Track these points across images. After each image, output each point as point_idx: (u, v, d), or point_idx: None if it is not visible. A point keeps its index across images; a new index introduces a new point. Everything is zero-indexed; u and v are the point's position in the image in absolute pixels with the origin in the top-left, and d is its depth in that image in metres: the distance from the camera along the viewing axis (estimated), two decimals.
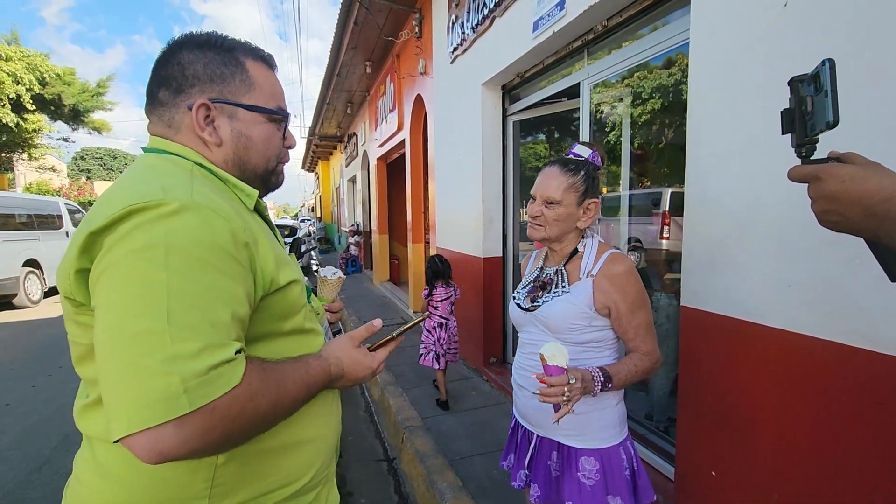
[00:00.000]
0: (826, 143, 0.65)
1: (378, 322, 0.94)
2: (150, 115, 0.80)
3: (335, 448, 0.93)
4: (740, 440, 1.66)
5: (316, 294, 1.20)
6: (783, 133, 0.68)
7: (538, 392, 1.09)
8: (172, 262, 0.59)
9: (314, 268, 9.62)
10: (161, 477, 0.69)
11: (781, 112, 0.67)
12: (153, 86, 0.79)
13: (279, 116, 0.84)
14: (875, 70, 1.23)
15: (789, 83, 0.66)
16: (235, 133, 0.79)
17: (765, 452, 1.58)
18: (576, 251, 1.33)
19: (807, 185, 0.64)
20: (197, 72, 0.77)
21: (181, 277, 0.59)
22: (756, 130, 1.54)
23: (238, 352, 0.63)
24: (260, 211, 0.86)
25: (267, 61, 0.85)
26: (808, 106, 0.61)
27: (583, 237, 1.34)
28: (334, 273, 1.20)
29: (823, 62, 0.58)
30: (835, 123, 0.57)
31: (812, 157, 0.65)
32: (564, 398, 1.06)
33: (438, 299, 3.46)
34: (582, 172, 1.28)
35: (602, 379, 1.15)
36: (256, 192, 0.82)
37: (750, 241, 1.59)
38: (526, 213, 1.36)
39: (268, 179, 0.87)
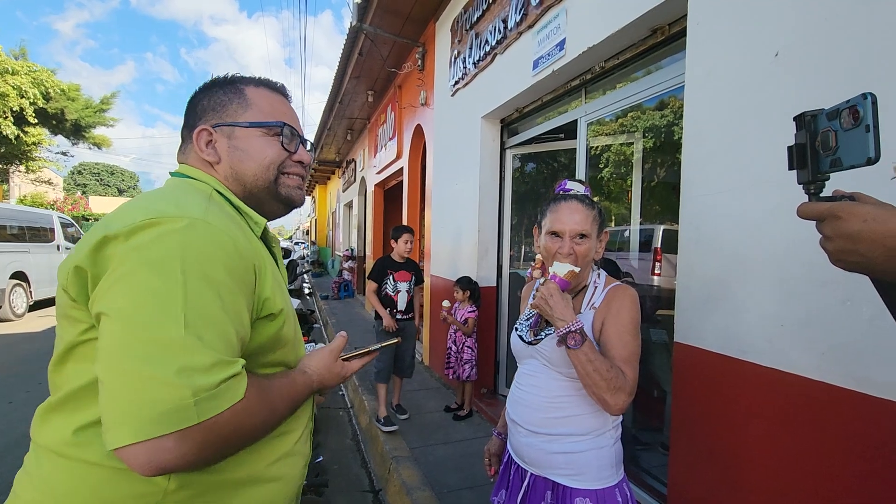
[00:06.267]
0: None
1: (344, 334, 0.97)
2: (179, 154, 0.90)
3: (297, 495, 0.88)
4: (733, 480, 1.64)
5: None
6: (790, 169, 0.65)
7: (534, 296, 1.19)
8: (188, 276, 0.62)
9: (306, 291, 9.55)
10: (105, 499, 0.66)
11: (789, 148, 0.64)
12: (181, 131, 0.89)
13: (276, 128, 0.86)
14: None
15: (798, 118, 0.63)
16: (231, 148, 0.85)
17: (757, 494, 1.56)
18: (585, 287, 1.32)
19: (817, 222, 0.61)
20: (203, 107, 0.86)
21: (196, 292, 0.61)
22: (753, 169, 1.58)
23: (242, 367, 0.64)
24: (266, 241, 0.88)
25: (270, 86, 0.90)
26: (832, 141, 0.59)
27: (591, 270, 1.34)
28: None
29: (865, 95, 0.55)
30: (877, 158, 0.54)
31: (821, 195, 0.62)
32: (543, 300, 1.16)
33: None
34: (595, 206, 1.31)
35: (581, 335, 1.13)
36: (264, 221, 0.87)
37: (745, 280, 1.61)
38: (539, 251, 1.34)
39: (276, 193, 0.88)
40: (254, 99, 0.86)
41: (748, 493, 1.59)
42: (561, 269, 1.18)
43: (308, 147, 0.93)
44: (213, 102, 0.85)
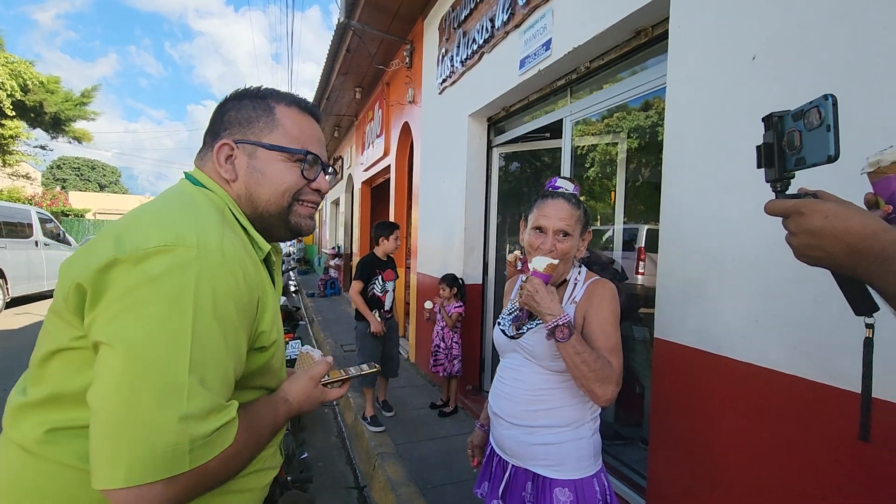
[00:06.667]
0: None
1: (330, 359, 0.97)
2: (196, 157, 0.89)
3: (261, 500, 0.90)
4: (711, 474, 1.68)
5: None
6: (759, 167, 0.67)
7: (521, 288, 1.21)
8: (199, 312, 0.61)
9: (292, 289, 9.47)
10: (76, 501, 0.66)
11: (758, 147, 0.66)
12: (204, 135, 0.88)
13: (299, 155, 0.85)
14: None
15: (766, 119, 0.66)
16: (250, 168, 0.83)
17: (732, 486, 1.60)
18: (565, 281, 1.35)
19: (782, 218, 0.63)
20: (231, 118, 0.84)
21: (204, 330, 0.61)
22: (731, 169, 1.62)
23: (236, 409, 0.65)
24: (269, 265, 0.87)
25: (301, 106, 0.88)
26: (797, 140, 0.61)
27: (573, 266, 1.36)
28: (322, 355, 1.05)
29: (826, 97, 0.57)
30: (836, 157, 0.56)
31: (787, 192, 0.65)
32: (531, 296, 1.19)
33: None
34: (582, 206, 1.33)
35: (568, 329, 1.14)
36: (268, 248, 0.85)
37: (722, 277, 1.65)
38: (522, 245, 1.36)
39: (286, 220, 0.87)
40: (282, 119, 0.84)
41: (727, 488, 1.63)
42: (540, 263, 1.21)
43: (328, 172, 0.93)
44: (240, 115, 0.84)
